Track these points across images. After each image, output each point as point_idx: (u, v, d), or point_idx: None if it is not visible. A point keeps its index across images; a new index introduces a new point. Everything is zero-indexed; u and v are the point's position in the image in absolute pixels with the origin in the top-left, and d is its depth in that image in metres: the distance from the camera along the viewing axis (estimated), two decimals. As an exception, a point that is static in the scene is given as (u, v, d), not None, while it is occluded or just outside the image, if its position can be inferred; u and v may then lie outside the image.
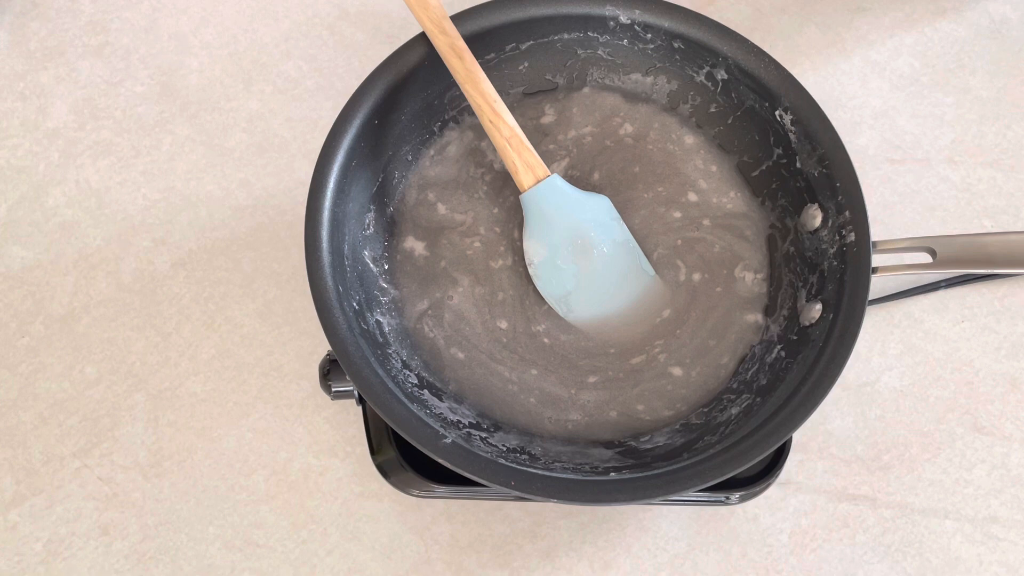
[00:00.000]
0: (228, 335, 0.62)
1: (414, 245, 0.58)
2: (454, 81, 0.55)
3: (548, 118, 0.61)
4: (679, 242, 0.58)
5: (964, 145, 0.68)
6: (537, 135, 0.60)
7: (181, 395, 0.61)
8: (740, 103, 0.58)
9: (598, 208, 0.57)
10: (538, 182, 0.55)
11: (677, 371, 0.56)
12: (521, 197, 0.56)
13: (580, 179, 0.60)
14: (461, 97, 0.59)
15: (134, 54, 0.70)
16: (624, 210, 0.59)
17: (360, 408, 0.58)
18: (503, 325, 0.56)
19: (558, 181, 0.56)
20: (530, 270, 0.57)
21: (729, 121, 0.59)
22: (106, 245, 0.64)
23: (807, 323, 0.54)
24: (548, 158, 0.60)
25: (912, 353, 0.62)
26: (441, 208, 0.59)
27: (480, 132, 0.60)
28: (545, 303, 0.57)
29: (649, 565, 0.58)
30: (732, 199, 0.59)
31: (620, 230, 0.57)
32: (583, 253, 0.56)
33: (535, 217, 0.56)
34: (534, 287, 0.57)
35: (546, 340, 0.56)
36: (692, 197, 0.59)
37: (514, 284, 0.57)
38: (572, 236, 0.56)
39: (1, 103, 0.68)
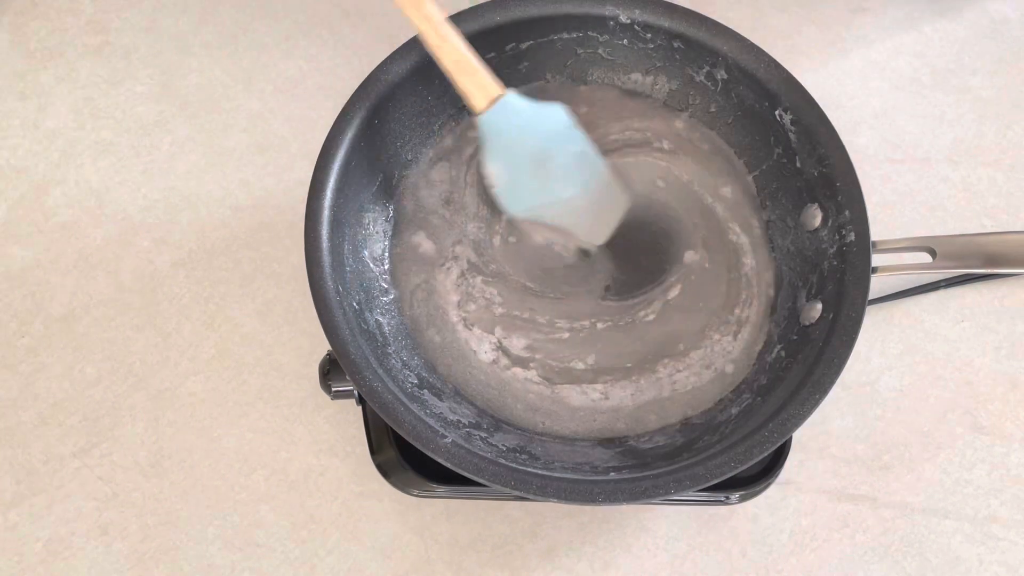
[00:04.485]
0: (228, 335, 0.62)
1: (416, 245, 0.58)
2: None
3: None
4: (679, 242, 0.59)
5: (964, 145, 0.68)
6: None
7: (181, 395, 0.61)
8: (740, 103, 0.58)
9: (555, 119, 0.55)
10: (492, 103, 0.53)
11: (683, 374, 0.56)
12: (476, 119, 0.54)
13: None
14: (461, 96, 0.59)
15: (134, 54, 0.70)
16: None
17: (360, 408, 0.58)
18: (523, 342, 0.57)
19: (512, 99, 0.54)
20: (491, 192, 0.56)
21: (729, 121, 0.59)
22: (106, 245, 0.64)
23: (807, 323, 0.54)
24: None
25: (912, 353, 0.62)
26: (443, 209, 0.59)
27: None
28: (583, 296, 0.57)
29: (649, 565, 0.58)
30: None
31: (577, 138, 0.56)
32: (543, 168, 0.56)
33: (493, 140, 0.54)
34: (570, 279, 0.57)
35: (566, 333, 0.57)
36: (692, 197, 0.59)
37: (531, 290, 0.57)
38: (532, 153, 0.55)
39: (1, 103, 0.68)
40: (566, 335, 0.57)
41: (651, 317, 0.57)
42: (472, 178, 0.60)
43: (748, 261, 0.58)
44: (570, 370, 0.56)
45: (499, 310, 0.57)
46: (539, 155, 0.55)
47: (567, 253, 0.58)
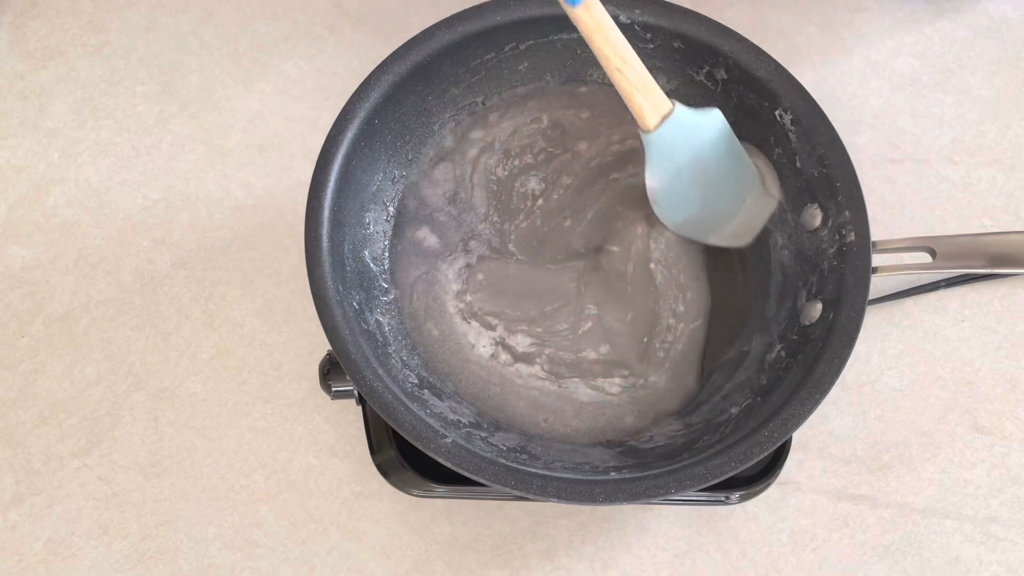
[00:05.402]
0: (228, 335, 0.62)
1: (420, 240, 0.58)
2: (453, 81, 0.55)
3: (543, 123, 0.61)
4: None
5: (964, 145, 0.68)
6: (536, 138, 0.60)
7: (181, 395, 0.61)
8: (740, 103, 0.58)
9: (714, 125, 0.55)
10: (663, 119, 0.53)
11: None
12: (644, 136, 0.54)
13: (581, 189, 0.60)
14: (461, 96, 0.59)
15: (134, 54, 0.70)
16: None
17: (360, 408, 0.58)
18: (527, 340, 0.57)
19: (681, 112, 0.54)
20: (652, 205, 0.56)
21: (729, 121, 0.59)
22: (106, 245, 0.64)
23: (807, 323, 0.54)
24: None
25: (912, 353, 0.62)
26: (448, 207, 0.59)
27: (482, 133, 0.60)
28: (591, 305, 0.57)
29: (649, 565, 0.58)
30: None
31: (733, 143, 0.56)
32: (702, 178, 0.56)
33: (658, 154, 0.54)
34: (579, 290, 0.57)
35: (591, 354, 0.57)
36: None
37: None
38: (692, 164, 0.55)
39: (1, 103, 0.68)
40: (574, 328, 0.57)
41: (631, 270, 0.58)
42: (479, 178, 0.60)
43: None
44: (580, 361, 0.56)
45: (501, 307, 0.57)
46: (698, 165, 0.55)
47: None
